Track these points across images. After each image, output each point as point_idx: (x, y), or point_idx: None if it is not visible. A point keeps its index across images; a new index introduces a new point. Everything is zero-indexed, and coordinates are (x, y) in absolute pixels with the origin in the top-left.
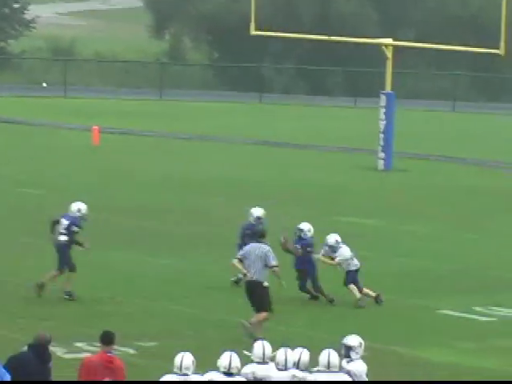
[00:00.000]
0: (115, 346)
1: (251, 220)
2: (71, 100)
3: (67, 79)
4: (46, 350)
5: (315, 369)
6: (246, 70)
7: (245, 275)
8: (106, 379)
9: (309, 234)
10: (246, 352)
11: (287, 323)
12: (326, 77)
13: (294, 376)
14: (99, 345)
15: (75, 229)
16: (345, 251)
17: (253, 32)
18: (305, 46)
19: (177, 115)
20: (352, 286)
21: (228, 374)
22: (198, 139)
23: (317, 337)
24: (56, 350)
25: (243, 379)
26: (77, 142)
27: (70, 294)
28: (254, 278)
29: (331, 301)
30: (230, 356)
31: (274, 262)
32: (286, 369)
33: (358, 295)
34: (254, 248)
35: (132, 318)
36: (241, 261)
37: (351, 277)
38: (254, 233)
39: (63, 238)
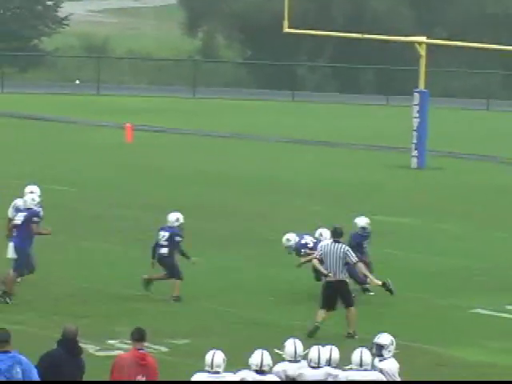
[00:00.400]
0: (147, 344)
1: (358, 231)
2: (104, 97)
3: (100, 77)
4: (75, 343)
5: (348, 367)
6: (279, 67)
7: (326, 275)
8: (139, 376)
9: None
10: (277, 350)
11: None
12: (358, 75)
13: (327, 373)
14: (130, 342)
15: (178, 239)
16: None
17: (286, 30)
18: (338, 44)
19: (210, 113)
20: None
21: (260, 372)
22: (230, 137)
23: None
24: (88, 347)
25: (275, 377)
26: (109, 140)
27: (177, 299)
28: (339, 278)
29: (365, 290)
30: (262, 354)
31: (355, 259)
32: (319, 366)
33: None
34: (332, 248)
35: (164, 315)
36: (320, 261)
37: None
38: (358, 244)
39: (164, 250)
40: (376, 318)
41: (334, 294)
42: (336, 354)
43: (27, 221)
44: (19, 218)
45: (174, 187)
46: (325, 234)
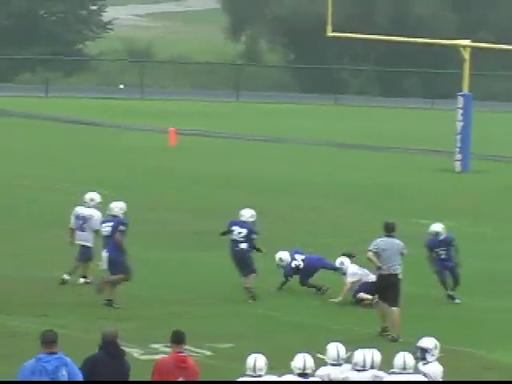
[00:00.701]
0: (190, 347)
1: (430, 236)
2: (148, 102)
3: (144, 81)
4: (116, 345)
5: (391, 370)
6: (322, 71)
7: (379, 268)
8: (180, 379)
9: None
10: (319, 355)
11: (362, 324)
12: (402, 78)
13: (375, 376)
14: (170, 345)
15: (255, 236)
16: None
17: (329, 34)
18: (381, 48)
19: (253, 116)
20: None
21: (303, 375)
22: (274, 141)
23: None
24: (132, 351)
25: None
26: (153, 144)
27: (252, 294)
28: (396, 272)
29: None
30: (304, 357)
31: (405, 252)
32: (364, 369)
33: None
34: (391, 243)
35: (209, 319)
36: (375, 254)
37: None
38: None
39: (244, 245)
40: (418, 320)
41: (386, 288)
42: (378, 357)
43: (114, 230)
44: (107, 230)
45: (213, 190)
46: (346, 262)
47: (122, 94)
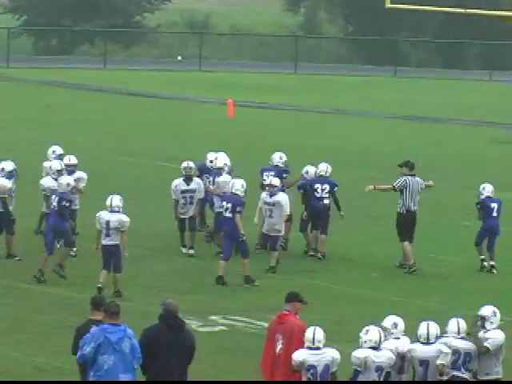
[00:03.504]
0: (248, 319)
1: None
2: (206, 74)
3: (202, 53)
4: (175, 318)
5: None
6: (381, 43)
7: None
8: (276, 335)
9: None
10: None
11: (421, 297)
12: (461, 50)
13: (439, 350)
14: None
15: (336, 189)
16: None
17: (388, 5)
18: (440, 19)
19: (311, 89)
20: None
21: (375, 348)
22: (332, 113)
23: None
24: (191, 322)
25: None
26: (212, 116)
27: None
28: (413, 209)
29: None
30: (379, 331)
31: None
32: (429, 342)
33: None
34: (415, 182)
35: (269, 290)
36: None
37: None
38: None
39: (327, 201)
40: (481, 293)
41: (407, 224)
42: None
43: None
44: None
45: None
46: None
47: (181, 65)
